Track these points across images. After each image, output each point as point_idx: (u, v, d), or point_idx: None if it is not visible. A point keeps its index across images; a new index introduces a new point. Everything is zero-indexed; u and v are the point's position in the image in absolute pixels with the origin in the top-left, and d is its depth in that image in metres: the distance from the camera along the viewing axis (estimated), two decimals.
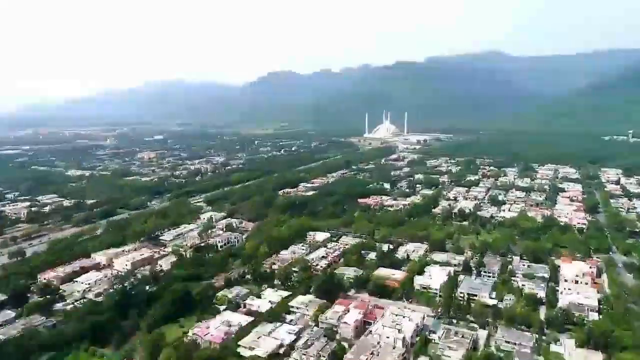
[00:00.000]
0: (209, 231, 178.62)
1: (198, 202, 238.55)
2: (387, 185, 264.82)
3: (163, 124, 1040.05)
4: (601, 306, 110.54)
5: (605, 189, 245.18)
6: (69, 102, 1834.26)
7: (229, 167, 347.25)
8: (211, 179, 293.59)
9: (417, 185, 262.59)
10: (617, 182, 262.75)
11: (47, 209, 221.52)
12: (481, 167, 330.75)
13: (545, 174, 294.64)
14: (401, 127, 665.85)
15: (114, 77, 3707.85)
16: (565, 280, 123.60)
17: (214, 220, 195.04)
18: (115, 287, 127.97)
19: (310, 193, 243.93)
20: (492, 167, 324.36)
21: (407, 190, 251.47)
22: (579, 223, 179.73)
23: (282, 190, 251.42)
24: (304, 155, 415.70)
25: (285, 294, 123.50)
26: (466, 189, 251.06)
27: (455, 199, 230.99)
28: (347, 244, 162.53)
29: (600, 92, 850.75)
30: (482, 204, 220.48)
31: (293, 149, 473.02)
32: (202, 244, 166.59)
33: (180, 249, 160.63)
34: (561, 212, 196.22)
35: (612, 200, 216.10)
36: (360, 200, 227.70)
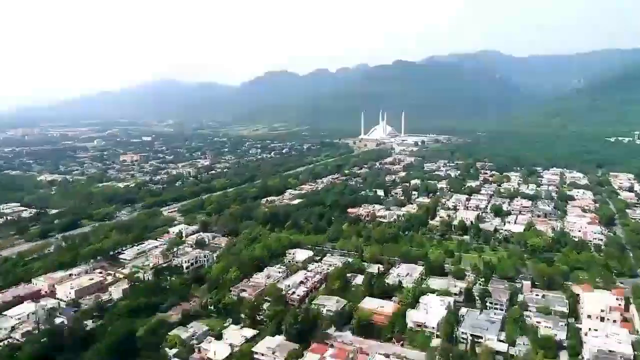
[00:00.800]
0: (176, 249, 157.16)
1: (172, 211, 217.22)
2: (380, 192, 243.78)
3: (157, 124, 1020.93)
4: (636, 353, 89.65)
5: (619, 196, 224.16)
6: (66, 102, 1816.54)
7: (213, 172, 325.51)
8: (191, 185, 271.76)
9: (413, 193, 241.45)
10: (631, 189, 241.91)
11: (1, 220, 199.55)
12: (482, 171, 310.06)
13: (551, 179, 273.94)
14: (398, 128, 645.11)
15: (111, 78, 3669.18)
16: (589, 317, 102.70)
17: (183, 235, 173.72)
18: (49, 322, 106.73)
19: (296, 202, 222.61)
20: (493, 172, 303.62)
21: (402, 198, 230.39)
22: (594, 238, 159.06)
23: (265, 199, 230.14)
24: (294, 158, 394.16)
25: (251, 333, 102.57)
26: (466, 196, 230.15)
27: (454, 208, 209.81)
28: (331, 265, 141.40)
29: (601, 92, 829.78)
30: (484, 215, 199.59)
31: (284, 151, 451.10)
32: (165, 265, 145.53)
33: (139, 271, 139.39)
34: (573, 225, 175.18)
35: (628, 211, 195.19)
36: (350, 210, 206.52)
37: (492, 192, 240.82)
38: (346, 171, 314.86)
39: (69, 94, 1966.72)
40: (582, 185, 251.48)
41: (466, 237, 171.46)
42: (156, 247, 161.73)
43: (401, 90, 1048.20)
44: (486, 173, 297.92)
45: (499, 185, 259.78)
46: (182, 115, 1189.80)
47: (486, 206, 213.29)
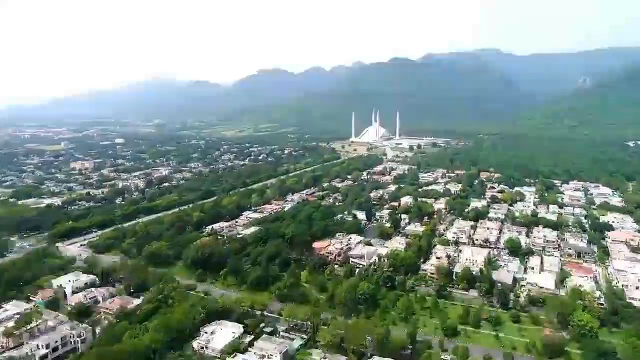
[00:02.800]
0: (37, 322, 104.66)
1: (82, 245, 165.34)
2: (361, 215, 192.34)
3: (142, 124, 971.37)
4: None
5: None
6: (57, 101, 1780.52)
7: (166, 184, 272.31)
8: (129, 204, 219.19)
9: (403, 217, 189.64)
10: None
11: None
12: (488, 184, 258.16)
13: (575, 197, 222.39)
14: (393, 129, 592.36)
15: (105, 77, 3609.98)
16: None
17: (67, 291, 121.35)
18: None
19: (250, 230, 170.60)
20: (502, 185, 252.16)
21: (389, 225, 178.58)
22: None
23: (211, 226, 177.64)
24: (269, 166, 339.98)
25: None
26: (471, 223, 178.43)
27: (456, 242, 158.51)
28: (264, 358, 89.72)
29: (608, 92, 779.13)
30: (496, 253, 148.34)
31: (260, 157, 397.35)
32: (13, 350, 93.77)
33: None
34: (626, 277, 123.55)
35: None
36: (316, 245, 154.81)
37: (502, 216, 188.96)
38: (324, 184, 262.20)
39: (62, 93, 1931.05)
40: (616, 208, 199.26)
41: (473, 294, 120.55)
42: (18, 314, 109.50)
43: (397, 89, 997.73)
44: (493, 188, 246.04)
45: (511, 206, 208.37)
46: (171, 114, 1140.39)
47: (498, 239, 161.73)
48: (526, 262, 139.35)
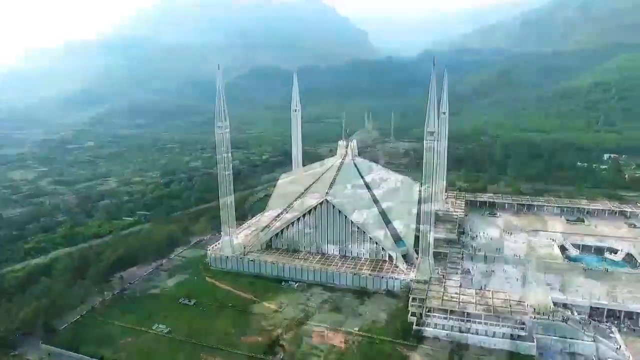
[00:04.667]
0: None
1: None
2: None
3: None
4: None
5: None
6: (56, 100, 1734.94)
7: (105, 201, 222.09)
8: (34, 234, 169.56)
9: (384, 261, 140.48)
10: None
11: None
12: (496, 202, 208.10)
13: (615, 230, 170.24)
14: (388, 131, 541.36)
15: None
16: None
17: None
18: None
19: (176, 281, 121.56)
20: (516, 205, 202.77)
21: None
22: None
23: (121, 274, 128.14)
24: (241, 177, 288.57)
25: None
26: (482, 266, 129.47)
27: (461, 317, 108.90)
28: None
29: (618, 91, 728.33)
30: (521, 331, 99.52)
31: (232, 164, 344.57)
32: None
33: None
34: None
35: None
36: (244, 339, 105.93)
37: (523, 261, 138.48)
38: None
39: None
40: None
41: None
42: None
43: (395, 88, 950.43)
44: (504, 208, 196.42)
45: (531, 236, 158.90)
46: None
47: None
48: None
